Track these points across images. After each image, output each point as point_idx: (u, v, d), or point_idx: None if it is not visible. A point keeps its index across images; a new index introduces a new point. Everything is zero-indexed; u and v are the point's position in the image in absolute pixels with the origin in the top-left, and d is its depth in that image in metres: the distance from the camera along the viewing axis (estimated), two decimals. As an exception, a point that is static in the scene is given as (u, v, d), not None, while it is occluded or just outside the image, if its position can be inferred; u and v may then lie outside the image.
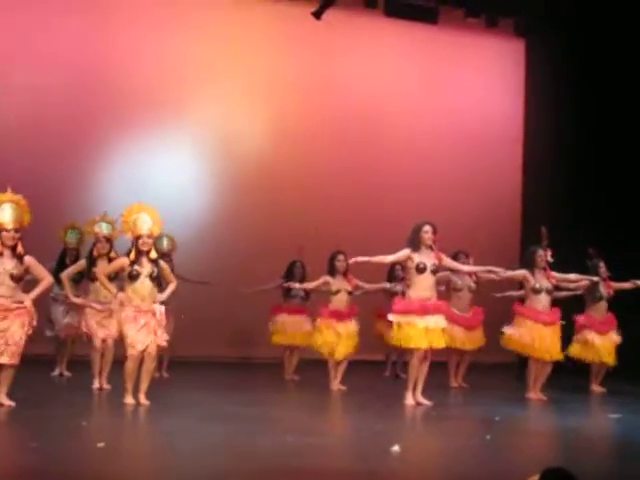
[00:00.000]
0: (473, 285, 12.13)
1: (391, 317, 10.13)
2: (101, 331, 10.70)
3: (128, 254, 9.42)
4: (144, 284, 9.34)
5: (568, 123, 15.18)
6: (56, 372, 11.87)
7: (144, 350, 9.31)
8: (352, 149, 15.48)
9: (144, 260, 9.36)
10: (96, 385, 10.69)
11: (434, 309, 10.05)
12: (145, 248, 9.36)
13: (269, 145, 15.28)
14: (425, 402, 10.14)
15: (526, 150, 16.56)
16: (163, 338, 9.44)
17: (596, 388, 12.24)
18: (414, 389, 10.15)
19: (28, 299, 8.86)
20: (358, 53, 15.82)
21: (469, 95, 16.45)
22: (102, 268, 10.19)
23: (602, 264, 12.06)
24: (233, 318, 14.22)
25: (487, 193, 16.13)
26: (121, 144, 14.62)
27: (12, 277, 8.77)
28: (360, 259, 10.15)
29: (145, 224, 9.38)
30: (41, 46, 14.19)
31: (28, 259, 8.89)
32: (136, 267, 9.33)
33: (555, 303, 11.21)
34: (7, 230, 8.78)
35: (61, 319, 11.69)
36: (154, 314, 9.31)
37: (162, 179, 14.53)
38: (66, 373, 11.88)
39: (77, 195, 13.94)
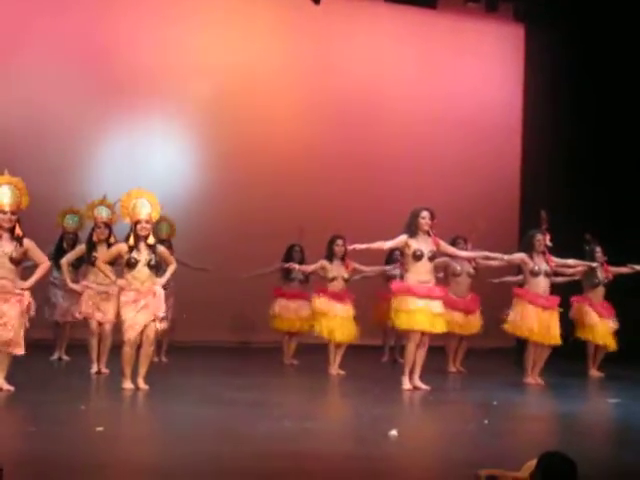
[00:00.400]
0: (472, 271, 12.13)
1: (393, 301, 10.15)
2: (98, 314, 10.71)
3: (127, 239, 9.41)
4: (142, 272, 9.33)
5: (567, 109, 15.17)
6: (55, 356, 11.88)
7: (142, 333, 9.31)
8: (351, 134, 15.46)
9: (142, 246, 9.35)
10: (94, 369, 10.71)
11: (432, 294, 10.06)
12: (143, 233, 9.35)
13: (268, 130, 15.24)
14: (423, 387, 10.15)
15: (525, 135, 16.56)
16: (163, 320, 9.44)
17: (594, 373, 12.26)
18: (411, 373, 10.16)
19: (27, 285, 8.87)
20: (357, 38, 15.78)
21: (468, 80, 16.42)
22: (101, 254, 10.19)
23: (599, 249, 12.07)
24: (232, 303, 14.22)
25: (486, 178, 16.12)
26: (121, 129, 14.61)
27: (11, 259, 8.78)
28: (358, 247, 10.14)
29: (144, 209, 9.36)
30: (41, 32, 14.16)
31: (27, 242, 8.89)
32: (134, 255, 9.31)
33: (553, 290, 11.22)
34: (4, 212, 8.78)
35: (60, 303, 11.70)
36: (154, 294, 9.31)
37: (162, 164, 14.54)
38: (65, 357, 11.90)
39: (77, 179, 13.92)
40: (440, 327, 10.14)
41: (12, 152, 12.80)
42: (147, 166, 14.12)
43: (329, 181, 15.12)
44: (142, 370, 9.46)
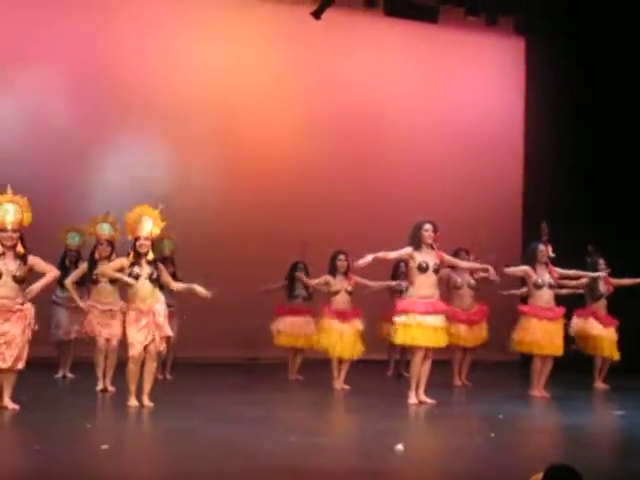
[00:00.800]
0: (473, 282, 12.13)
1: (395, 318, 10.16)
2: (104, 331, 10.71)
3: (128, 256, 9.44)
4: (144, 286, 9.35)
5: (568, 120, 15.18)
6: (59, 374, 11.87)
7: (145, 350, 9.32)
8: (352, 147, 15.47)
9: (143, 262, 9.38)
10: (100, 387, 10.70)
11: (435, 309, 10.06)
12: (143, 250, 9.38)
13: (269, 144, 15.26)
14: (428, 401, 10.14)
15: (527, 147, 16.57)
16: (165, 336, 9.44)
17: (600, 385, 12.24)
18: (417, 388, 10.16)
19: (33, 293, 8.85)
20: (358, 53, 15.81)
21: (470, 93, 16.44)
22: (102, 269, 10.19)
23: (602, 261, 12.08)
24: (237, 319, 14.18)
25: (488, 190, 16.11)
26: (124, 143, 14.60)
27: (15, 278, 8.78)
28: (363, 262, 10.08)
29: (146, 226, 9.40)
30: (43, 44, 14.15)
31: (31, 258, 8.90)
32: (135, 269, 9.34)
33: (557, 302, 11.21)
34: (6, 230, 8.79)
35: (64, 322, 11.69)
36: (155, 315, 9.32)
37: (166, 177, 14.54)
38: (69, 375, 11.88)
39: (80, 195, 13.90)
40: (442, 341, 10.13)
41: (13, 168, 12.79)
42: (151, 180, 14.09)
43: (331, 195, 15.10)
44: (147, 387, 9.45)
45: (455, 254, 11.42)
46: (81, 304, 10.79)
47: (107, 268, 9.87)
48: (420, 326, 9.95)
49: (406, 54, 16.16)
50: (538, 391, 11.07)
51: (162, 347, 9.49)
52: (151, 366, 9.45)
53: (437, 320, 10.06)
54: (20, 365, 8.84)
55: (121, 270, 9.49)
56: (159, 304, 9.39)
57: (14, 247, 8.82)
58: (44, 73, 14.18)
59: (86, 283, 11.09)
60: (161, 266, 9.68)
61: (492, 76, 16.80)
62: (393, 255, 10.34)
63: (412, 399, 10.11)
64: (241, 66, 15.16)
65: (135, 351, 9.30)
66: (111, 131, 14.49)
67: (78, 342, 11.65)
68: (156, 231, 9.49)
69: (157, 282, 9.44)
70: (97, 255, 10.82)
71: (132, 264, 9.36)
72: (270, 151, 15.24)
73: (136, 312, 9.33)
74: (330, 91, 15.60)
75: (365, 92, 15.74)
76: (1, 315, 8.73)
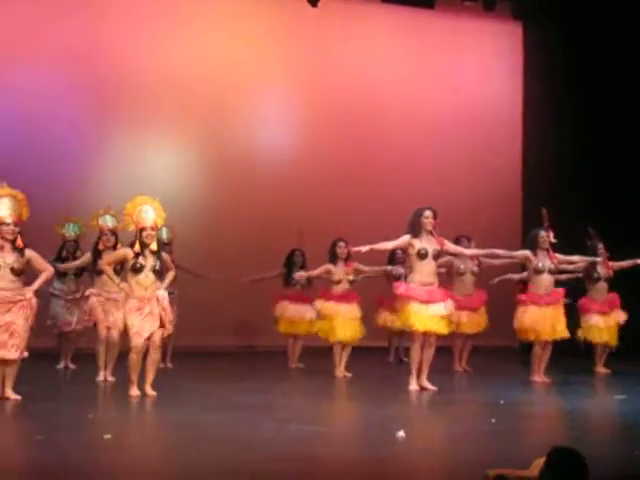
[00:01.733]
0: (476, 269, 12.15)
1: (397, 303, 10.20)
2: (107, 319, 10.71)
3: (132, 246, 9.43)
4: (147, 277, 9.34)
5: (567, 105, 15.16)
6: (61, 365, 11.88)
7: (148, 339, 9.33)
8: (350, 135, 15.44)
9: (147, 252, 9.37)
10: (101, 377, 10.71)
11: (435, 298, 10.07)
12: (149, 240, 9.37)
13: (266, 133, 15.28)
14: (430, 387, 10.16)
15: (525, 132, 16.55)
16: (168, 325, 9.46)
17: (601, 369, 12.27)
18: (418, 374, 10.17)
19: (30, 291, 8.91)
20: (355, 39, 15.76)
21: (468, 78, 16.43)
22: (106, 257, 10.19)
23: (601, 245, 12.10)
24: (235, 307, 14.21)
25: (487, 176, 16.11)
26: (121, 137, 14.56)
27: (13, 271, 8.82)
28: (363, 249, 10.13)
29: (149, 216, 9.39)
30: (41, 41, 14.12)
31: (29, 252, 8.95)
32: (140, 260, 9.33)
33: (558, 285, 11.22)
34: (6, 224, 8.83)
35: (62, 313, 11.69)
36: (158, 300, 9.32)
37: (162, 170, 14.51)
38: (71, 366, 11.89)
39: (78, 189, 13.88)
40: (444, 328, 10.15)
41: (12, 161, 12.83)
42: (148, 174, 14.07)
43: (328, 183, 15.08)
44: (149, 377, 9.46)
45: (456, 242, 11.43)
46: (89, 291, 10.73)
47: (109, 259, 9.87)
48: (420, 313, 9.96)
49: (403, 40, 16.12)
50: (539, 376, 11.09)
51: (169, 331, 9.50)
52: (154, 356, 9.45)
53: (438, 308, 10.07)
54: (20, 353, 8.86)
55: (124, 260, 9.50)
56: (161, 291, 9.40)
57: (13, 241, 8.85)
58: (41, 69, 14.13)
59: (87, 274, 11.08)
60: (165, 256, 9.67)
61: (490, 61, 16.78)
62: (391, 245, 10.37)
63: (413, 385, 10.13)
64: (237, 57, 15.12)
65: (138, 341, 9.30)
66: (110, 127, 14.46)
67: (79, 333, 11.66)
68: (159, 221, 9.50)
69: (160, 273, 9.44)
70: (101, 245, 10.81)
71: (136, 255, 9.36)
72: (267, 140, 15.23)
73: (138, 300, 9.33)
74: (326, 79, 15.57)
75: (362, 79, 15.71)
76: (2, 306, 8.75)
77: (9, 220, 8.84)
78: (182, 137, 14.97)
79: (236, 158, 14.88)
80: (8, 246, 8.85)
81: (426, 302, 9.97)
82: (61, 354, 11.94)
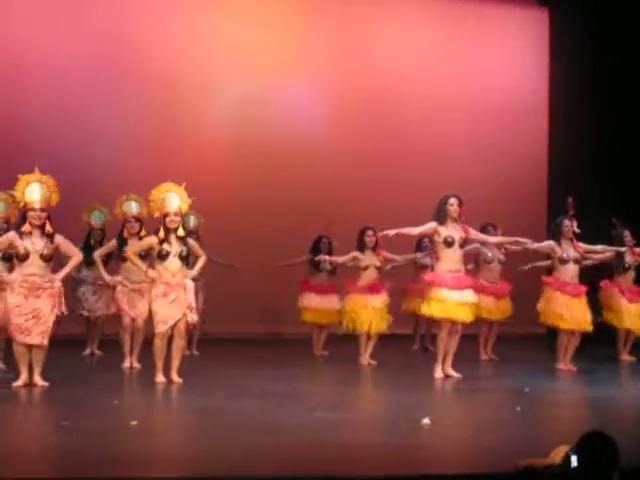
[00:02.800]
0: (503, 257, 12.10)
1: (424, 291, 10.21)
2: (131, 310, 10.76)
3: (157, 233, 9.47)
4: (173, 263, 9.39)
5: (593, 91, 15.08)
6: (87, 351, 11.94)
7: (173, 326, 9.37)
8: (376, 122, 15.41)
9: (172, 238, 9.41)
10: (126, 364, 10.76)
11: (464, 284, 10.07)
12: (173, 226, 9.41)
13: (293, 120, 15.27)
14: (455, 375, 10.16)
15: (551, 119, 16.46)
16: (194, 314, 9.49)
17: (626, 357, 12.22)
18: (443, 362, 10.18)
19: (58, 279, 8.97)
20: (378, 25, 15.71)
21: (493, 65, 16.36)
22: (132, 247, 10.23)
23: (627, 233, 12.04)
24: (261, 294, 14.23)
25: (513, 163, 16.03)
26: (148, 122, 14.61)
27: (42, 257, 8.87)
28: (389, 232, 10.15)
29: (173, 202, 9.44)
30: (68, 22, 14.23)
31: (58, 237, 9.01)
32: (165, 246, 9.38)
33: (583, 273, 11.17)
34: (34, 209, 8.88)
35: (90, 300, 11.74)
36: (185, 289, 9.36)
37: (189, 157, 14.52)
38: (97, 352, 11.95)
39: (104, 175, 13.94)
40: (470, 316, 10.15)
41: (39, 148, 12.94)
42: (174, 159, 14.11)
43: (354, 169, 15.04)
44: (175, 363, 9.51)
45: (482, 229, 11.41)
46: (107, 277, 10.78)
47: (134, 249, 9.91)
48: (447, 300, 9.98)
49: (428, 27, 16.06)
50: (564, 364, 11.05)
51: (195, 320, 9.53)
52: (180, 343, 9.51)
53: (465, 295, 10.08)
54: (45, 341, 8.92)
55: (150, 249, 9.54)
56: (188, 280, 9.43)
57: (42, 226, 8.90)
58: (68, 51, 14.21)
59: (112, 261, 11.12)
60: (193, 242, 9.70)
61: (516, 48, 16.69)
62: (417, 231, 10.35)
63: (438, 373, 10.14)
64: (260, 44, 15.10)
65: (163, 328, 9.35)
66: (135, 113, 14.53)
67: (105, 319, 11.72)
68: (184, 207, 9.54)
69: (186, 259, 9.48)
70: (126, 233, 10.84)
71: (161, 241, 9.39)
72: (293, 127, 15.22)
73: (164, 286, 9.37)
74: (351, 65, 15.53)
75: (386, 67, 15.66)
76: (31, 292, 8.84)
77: (37, 206, 8.90)
78: (207, 121, 14.97)
79: (262, 144, 14.85)
80: (37, 232, 8.91)
81: (452, 288, 9.97)
82: (88, 340, 12.00)
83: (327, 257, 12.01)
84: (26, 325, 8.83)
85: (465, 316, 10.09)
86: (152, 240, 9.52)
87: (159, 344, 9.41)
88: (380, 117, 15.44)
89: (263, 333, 14.48)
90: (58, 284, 8.97)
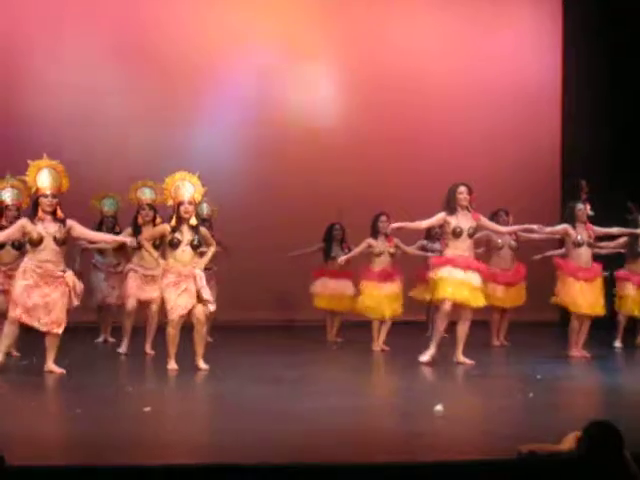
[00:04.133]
0: (514, 243, 12.05)
1: (431, 274, 10.21)
2: (142, 294, 10.78)
3: (170, 221, 9.49)
4: (185, 252, 9.40)
5: (607, 77, 15.02)
6: (101, 339, 11.97)
7: (187, 315, 9.38)
8: (390, 109, 15.34)
9: (185, 227, 9.42)
10: (123, 350, 10.81)
11: (471, 265, 10.07)
12: (186, 215, 9.42)
13: (309, 108, 15.25)
14: (467, 361, 10.16)
15: (564, 105, 16.37)
16: (211, 303, 9.50)
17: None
18: (456, 349, 10.18)
19: (70, 270, 8.99)
20: (394, 13, 15.66)
21: (507, 52, 16.26)
22: (145, 233, 10.25)
23: (643, 217, 11.98)
24: (275, 282, 14.24)
25: (526, 149, 15.95)
26: (161, 111, 14.61)
27: (56, 240, 8.89)
28: (396, 225, 10.17)
29: (187, 191, 9.44)
30: (81, 15, 14.26)
31: (70, 222, 9.05)
32: (177, 235, 9.38)
33: (596, 259, 11.14)
34: (45, 195, 8.91)
35: (103, 287, 11.75)
36: (195, 279, 9.37)
37: (204, 147, 14.52)
38: (111, 340, 11.97)
39: (117, 162, 13.98)
40: (479, 301, 10.14)
41: (57, 136, 13.05)
42: (187, 149, 14.13)
43: (367, 158, 15.02)
44: (199, 350, 9.53)
45: (494, 214, 11.40)
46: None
47: (148, 235, 9.93)
48: (457, 282, 9.96)
49: (442, 13, 15.95)
50: (577, 351, 10.99)
51: (212, 308, 9.55)
52: (201, 331, 9.52)
53: (474, 278, 10.07)
54: (58, 329, 8.95)
55: (163, 237, 9.56)
56: (199, 270, 9.44)
57: (53, 212, 8.93)
58: (85, 46, 14.30)
59: (128, 248, 11.14)
60: (205, 231, 9.71)
61: (529, 34, 16.58)
62: (425, 224, 10.38)
63: (425, 357, 10.12)
64: (278, 30, 15.08)
65: (174, 316, 9.36)
66: (152, 102, 14.55)
67: (119, 306, 11.74)
68: (198, 196, 9.55)
69: (198, 248, 9.48)
70: (140, 220, 10.86)
71: (173, 230, 9.41)
72: (308, 115, 15.19)
73: (175, 275, 9.38)
74: (367, 53, 15.47)
75: (400, 53, 15.59)
76: (44, 279, 8.85)
77: (48, 192, 8.94)
78: (222, 111, 14.96)
79: (277, 133, 14.83)
80: (49, 217, 8.95)
81: (456, 266, 9.96)
82: (101, 328, 12.04)
83: (344, 257, 11.89)
84: (34, 309, 8.84)
85: (474, 300, 10.06)
86: (164, 227, 9.55)
87: (172, 332, 9.43)
88: (392, 105, 15.37)
89: (277, 320, 14.48)
90: (70, 273, 9.00)
